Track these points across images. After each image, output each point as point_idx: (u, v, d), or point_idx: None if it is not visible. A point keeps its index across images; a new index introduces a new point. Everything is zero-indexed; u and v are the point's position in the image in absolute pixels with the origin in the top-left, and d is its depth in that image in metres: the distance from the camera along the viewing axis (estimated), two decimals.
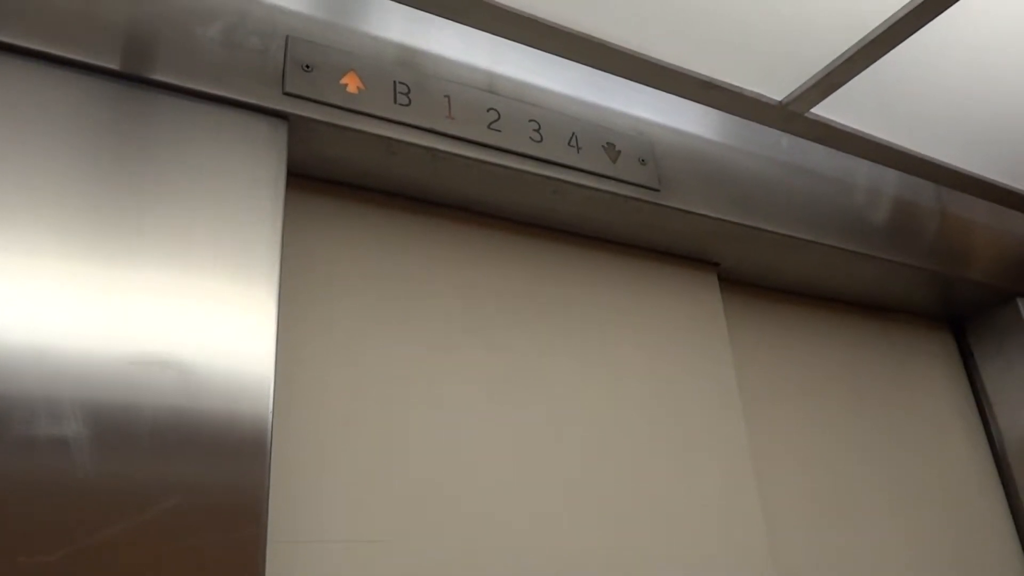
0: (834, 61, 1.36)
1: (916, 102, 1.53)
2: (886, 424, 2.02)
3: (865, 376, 2.06)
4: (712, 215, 1.60)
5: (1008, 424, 2.17)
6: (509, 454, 1.34)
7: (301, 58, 1.23)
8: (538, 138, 1.41)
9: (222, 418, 0.98)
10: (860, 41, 1.32)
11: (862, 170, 1.93)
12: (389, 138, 1.27)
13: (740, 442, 1.61)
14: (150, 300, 0.99)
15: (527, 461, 1.35)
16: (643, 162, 1.53)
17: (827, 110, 1.50)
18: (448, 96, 1.35)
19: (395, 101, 1.29)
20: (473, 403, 1.35)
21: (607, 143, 1.50)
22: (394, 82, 1.30)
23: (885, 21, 1.28)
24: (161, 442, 0.94)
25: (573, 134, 1.46)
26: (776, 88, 1.44)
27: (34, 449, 0.87)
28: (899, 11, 1.26)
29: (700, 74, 1.38)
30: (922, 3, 1.24)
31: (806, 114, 1.48)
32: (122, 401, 0.93)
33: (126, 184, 1.04)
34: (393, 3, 1.21)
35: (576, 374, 1.48)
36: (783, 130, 1.55)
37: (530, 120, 1.42)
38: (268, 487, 0.98)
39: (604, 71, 1.37)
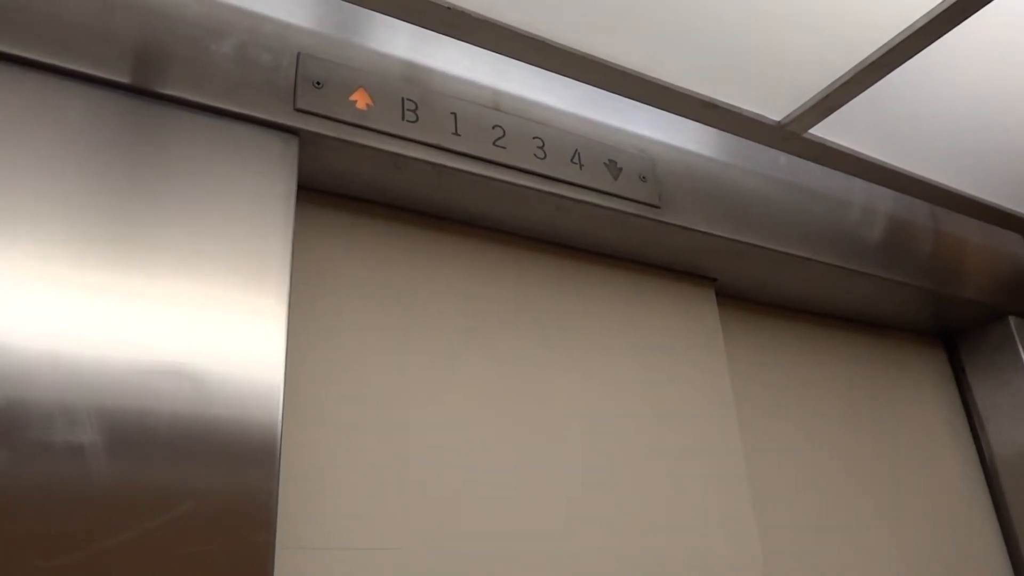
0: (832, 83, 1.39)
1: (912, 124, 1.56)
2: (879, 438, 2.04)
3: (859, 391, 2.08)
4: (710, 232, 1.63)
5: (999, 440, 2.19)
6: (511, 464, 1.36)
7: (312, 75, 1.25)
8: (542, 155, 1.44)
9: (233, 425, 1.00)
10: (858, 65, 1.35)
11: (857, 189, 1.96)
12: (397, 154, 1.29)
13: (736, 454, 1.63)
14: (164, 310, 1.01)
15: (528, 471, 1.37)
16: (644, 179, 1.56)
17: (824, 131, 1.53)
18: (454, 113, 1.37)
19: (403, 118, 1.31)
20: (476, 413, 1.37)
21: (609, 160, 1.53)
22: (402, 99, 1.33)
23: (883, 46, 1.31)
24: (174, 449, 0.95)
25: (576, 151, 1.49)
26: (775, 109, 1.47)
27: (51, 455, 0.89)
28: (896, 36, 1.30)
29: (701, 94, 1.41)
30: (918, 29, 1.27)
31: (804, 134, 1.51)
32: (136, 408, 0.95)
33: (140, 196, 1.06)
34: (402, 21, 1.23)
35: (576, 386, 1.50)
36: (781, 150, 1.58)
37: (534, 137, 1.45)
38: (277, 494, 0.99)
39: (607, 90, 1.40)
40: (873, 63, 1.34)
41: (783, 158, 1.83)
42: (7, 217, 0.96)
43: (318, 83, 1.25)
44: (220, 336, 1.04)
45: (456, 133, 1.36)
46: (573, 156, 1.48)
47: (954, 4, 1.23)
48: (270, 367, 1.05)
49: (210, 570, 0.93)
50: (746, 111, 1.46)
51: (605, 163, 1.52)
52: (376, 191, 1.39)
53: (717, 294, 1.84)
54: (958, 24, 1.28)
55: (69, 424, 0.91)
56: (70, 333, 0.95)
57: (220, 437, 0.99)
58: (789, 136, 1.52)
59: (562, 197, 1.45)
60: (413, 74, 1.38)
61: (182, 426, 0.97)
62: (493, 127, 1.41)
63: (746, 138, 1.55)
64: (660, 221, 1.56)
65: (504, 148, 1.40)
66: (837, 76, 1.38)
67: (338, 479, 1.20)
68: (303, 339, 1.25)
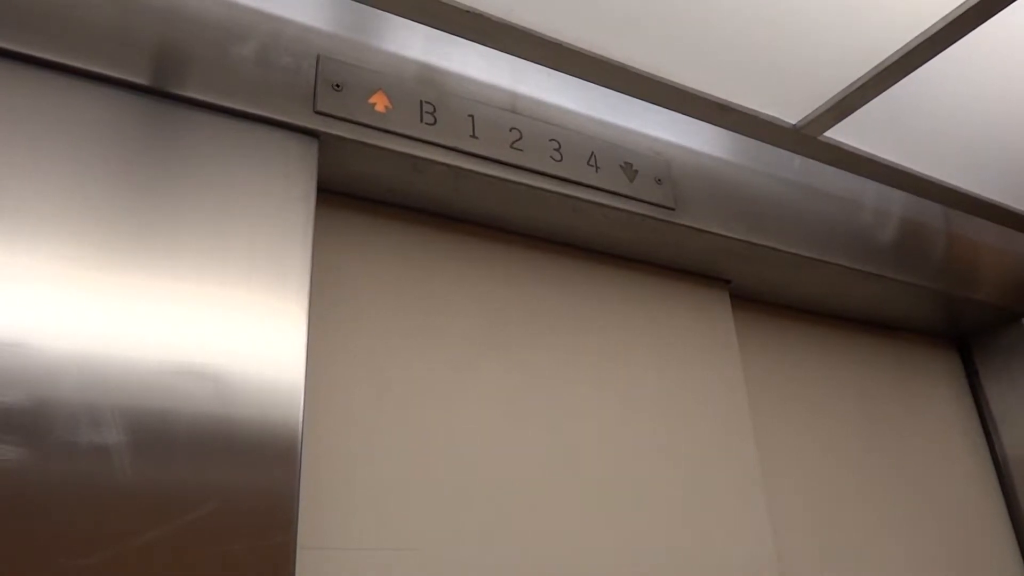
0: (848, 87, 1.39)
1: (926, 127, 1.56)
2: (892, 440, 2.04)
3: (872, 393, 2.09)
4: (725, 234, 1.63)
5: (1012, 441, 2.19)
6: (528, 465, 1.37)
7: (331, 77, 1.26)
8: (558, 157, 1.45)
9: (255, 426, 1.01)
10: (874, 68, 1.35)
11: (871, 191, 1.96)
12: (415, 156, 1.30)
13: (750, 455, 1.64)
14: (186, 311, 1.02)
15: (544, 472, 1.38)
16: (659, 182, 1.56)
17: (840, 133, 1.53)
18: (472, 115, 1.38)
19: (421, 120, 1.32)
20: (493, 413, 1.38)
21: (625, 163, 1.53)
22: (420, 101, 1.34)
23: (899, 50, 1.31)
24: (196, 449, 0.96)
25: (592, 153, 1.50)
26: (791, 112, 1.47)
27: (76, 454, 0.90)
28: (912, 40, 1.30)
29: (717, 97, 1.41)
30: (934, 34, 1.27)
31: (819, 137, 1.51)
32: (159, 408, 0.96)
33: (161, 198, 1.07)
34: (420, 24, 1.24)
35: (591, 387, 1.51)
36: (796, 152, 1.58)
37: (551, 139, 1.46)
38: (298, 494, 1.00)
39: (623, 93, 1.40)
40: (889, 67, 1.34)
41: (797, 160, 1.83)
42: (31, 219, 0.97)
43: (337, 86, 1.26)
44: (241, 337, 1.05)
45: (474, 136, 1.36)
46: (589, 158, 1.49)
47: (970, 9, 1.23)
48: (291, 368, 1.06)
49: (232, 570, 0.94)
50: (762, 114, 1.46)
51: (621, 165, 1.52)
52: (395, 193, 1.40)
53: (731, 296, 1.84)
54: (974, 29, 1.28)
55: (94, 424, 0.92)
56: (94, 334, 0.96)
57: (242, 437, 0.99)
58: (804, 139, 1.52)
59: (578, 199, 1.46)
60: (431, 77, 1.39)
61: (204, 426, 0.98)
62: (510, 129, 1.42)
63: (761, 141, 1.55)
64: (675, 223, 1.57)
65: (521, 150, 1.41)
66: (853, 80, 1.39)
67: (358, 480, 1.21)
68: (323, 340, 1.26)
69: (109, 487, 0.90)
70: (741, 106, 1.44)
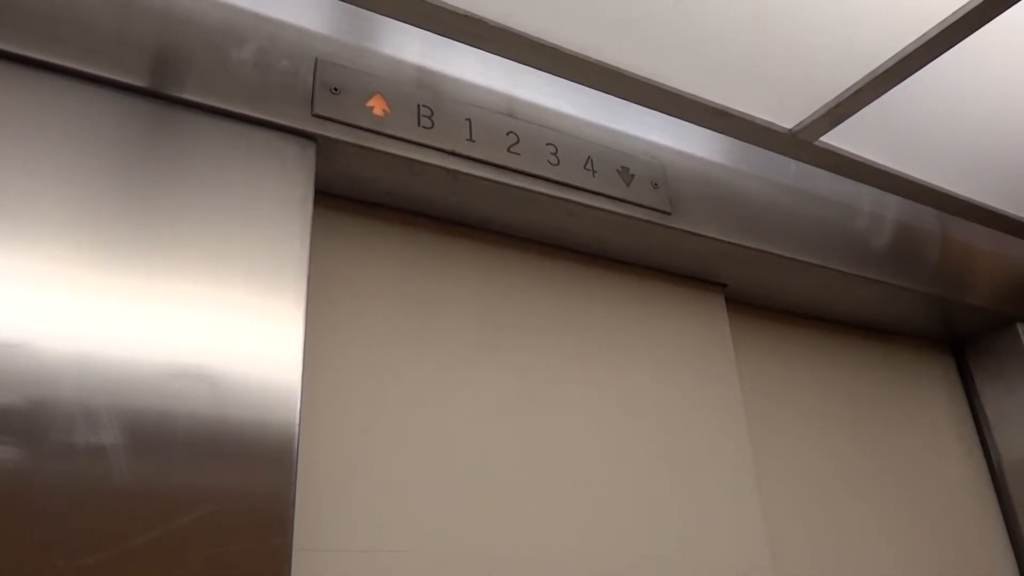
0: (844, 92, 1.40)
1: (922, 132, 1.57)
2: (887, 444, 2.05)
3: (867, 397, 2.09)
4: (721, 238, 1.64)
5: (1007, 446, 2.19)
6: (524, 467, 1.37)
7: (329, 81, 1.27)
8: (555, 161, 1.45)
9: (251, 427, 1.01)
10: (869, 74, 1.36)
11: (866, 196, 1.97)
12: (413, 160, 1.30)
13: (745, 459, 1.64)
14: (183, 313, 1.02)
15: (540, 474, 1.38)
16: (655, 186, 1.57)
17: (836, 139, 1.53)
18: (469, 119, 1.38)
19: (419, 124, 1.32)
20: (488, 416, 1.38)
21: (621, 167, 1.54)
22: (418, 105, 1.34)
23: (895, 55, 1.32)
24: (193, 451, 0.97)
25: (589, 158, 1.50)
26: (786, 117, 1.48)
27: (72, 456, 0.90)
28: (908, 46, 1.31)
29: (713, 102, 1.42)
30: (929, 40, 1.28)
31: (815, 142, 1.52)
32: (156, 410, 0.96)
33: (160, 200, 1.07)
34: (418, 28, 1.24)
35: (587, 390, 1.51)
36: (792, 157, 1.59)
37: (547, 144, 1.46)
38: (294, 496, 1.00)
39: (620, 97, 1.41)
40: (885, 72, 1.35)
41: (793, 165, 1.84)
42: (30, 220, 0.97)
43: (335, 89, 1.27)
44: (238, 339, 1.05)
45: (471, 139, 1.37)
46: (586, 163, 1.49)
47: (965, 15, 1.24)
48: (287, 370, 1.06)
49: (228, 572, 0.94)
50: (758, 119, 1.47)
51: (617, 170, 1.53)
52: (392, 196, 1.40)
53: (727, 300, 1.85)
54: (969, 34, 1.29)
55: (91, 426, 0.92)
56: (91, 335, 0.96)
57: (238, 439, 1.00)
58: (800, 144, 1.52)
59: (575, 203, 1.46)
60: (429, 80, 1.40)
61: (201, 428, 0.98)
62: (507, 133, 1.42)
63: (757, 146, 1.55)
64: (671, 227, 1.57)
65: (518, 154, 1.41)
66: (849, 85, 1.39)
67: (354, 482, 1.21)
68: (320, 342, 1.26)
69: (106, 489, 0.90)
70: (737, 111, 1.45)
